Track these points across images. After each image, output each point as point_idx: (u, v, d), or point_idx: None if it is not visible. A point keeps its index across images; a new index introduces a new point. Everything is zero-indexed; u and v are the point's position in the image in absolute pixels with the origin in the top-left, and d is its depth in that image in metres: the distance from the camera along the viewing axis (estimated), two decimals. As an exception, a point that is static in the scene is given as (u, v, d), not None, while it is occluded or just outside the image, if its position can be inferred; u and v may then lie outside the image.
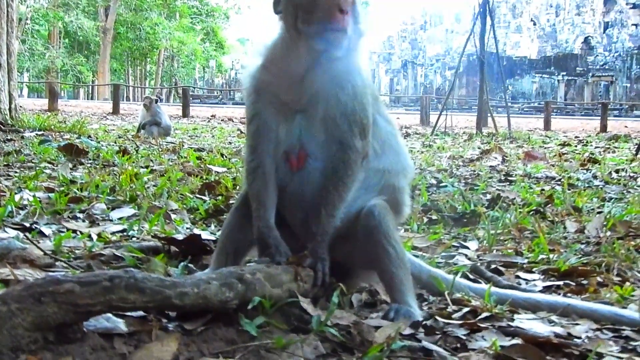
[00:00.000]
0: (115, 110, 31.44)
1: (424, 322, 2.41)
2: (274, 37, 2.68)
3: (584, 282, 3.17)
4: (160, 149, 9.86)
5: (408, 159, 2.85)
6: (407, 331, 2.30)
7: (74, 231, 3.74)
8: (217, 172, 6.88)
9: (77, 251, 3.29)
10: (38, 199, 4.38)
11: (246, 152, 2.76)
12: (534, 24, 73.58)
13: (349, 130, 2.57)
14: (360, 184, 2.65)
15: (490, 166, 9.01)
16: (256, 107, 2.68)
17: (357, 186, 2.63)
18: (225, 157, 8.77)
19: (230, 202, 4.69)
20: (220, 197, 5.06)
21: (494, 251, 3.80)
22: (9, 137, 9.97)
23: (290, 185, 2.64)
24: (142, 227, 3.97)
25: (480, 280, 3.11)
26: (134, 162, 7.53)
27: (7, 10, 11.54)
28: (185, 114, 32.21)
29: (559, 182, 7.04)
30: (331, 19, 2.49)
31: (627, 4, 66.60)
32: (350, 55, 2.63)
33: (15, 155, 7.51)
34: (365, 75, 2.67)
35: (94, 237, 3.63)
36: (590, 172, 8.31)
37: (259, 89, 2.68)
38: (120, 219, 4.25)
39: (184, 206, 4.75)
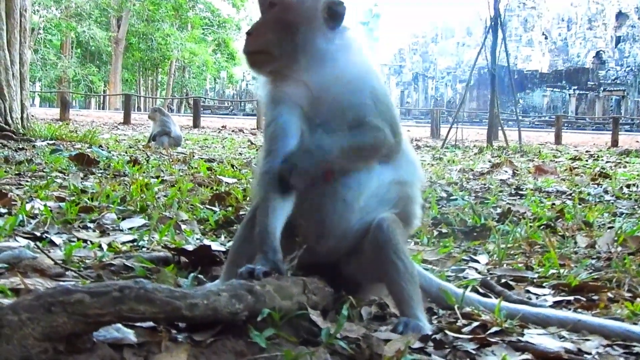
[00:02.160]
0: (127, 120, 31.55)
1: (434, 336, 2.40)
2: None
3: (595, 297, 3.16)
4: (170, 160, 9.88)
5: (420, 168, 2.86)
6: (417, 345, 2.30)
7: (85, 241, 3.75)
8: (228, 183, 6.89)
9: (87, 261, 3.29)
10: (49, 208, 4.39)
11: (261, 155, 2.76)
12: (546, 38, 73.58)
13: (380, 125, 2.58)
14: (375, 197, 2.64)
15: (501, 180, 8.98)
16: (273, 113, 2.68)
17: (360, 199, 2.62)
18: (236, 168, 8.78)
19: (241, 213, 4.70)
20: (230, 208, 5.07)
21: (504, 265, 3.79)
22: (20, 146, 10.01)
23: (310, 199, 2.63)
24: (153, 237, 3.97)
25: (490, 295, 3.10)
26: (144, 172, 7.55)
27: (20, 20, 11.60)
28: (196, 124, 32.29)
29: (570, 197, 7.01)
30: (245, 43, 2.66)
31: (639, 18, 66.48)
32: (353, 59, 2.65)
33: (26, 164, 7.54)
34: (379, 75, 2.71)
35: (105, 247, 3.63)
36: (601, 187, 8.28)
37: (277, 99, 2.69)
38: (130, 229, 4.25)
39: (194, 217, 4.75)
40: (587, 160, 14.94)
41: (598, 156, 17.00)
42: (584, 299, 3.13)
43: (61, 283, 2.55)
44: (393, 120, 2.64)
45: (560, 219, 5.25)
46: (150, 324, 2.12)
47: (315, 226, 2.64)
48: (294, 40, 2.60)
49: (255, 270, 2.33)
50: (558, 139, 29.26)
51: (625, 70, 65.41)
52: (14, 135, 10.87)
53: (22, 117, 11.58)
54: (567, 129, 38.97)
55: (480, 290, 3.17)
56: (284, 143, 2.60)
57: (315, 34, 2.62)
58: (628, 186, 8.50)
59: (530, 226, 4.71)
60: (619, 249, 4.10)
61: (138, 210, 4.87)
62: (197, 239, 4.07)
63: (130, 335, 2.06)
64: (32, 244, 3.43)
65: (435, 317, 2.80)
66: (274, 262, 2.42)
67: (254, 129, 29.55)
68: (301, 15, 2.62)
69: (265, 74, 2.73)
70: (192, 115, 35.22)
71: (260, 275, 2.31)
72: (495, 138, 21.83)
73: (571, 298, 3.14)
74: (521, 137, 20.03)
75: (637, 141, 29.67)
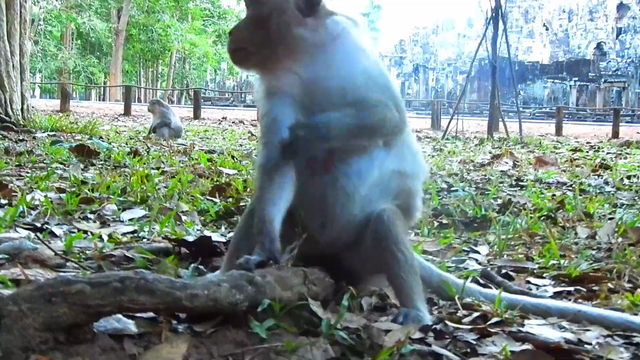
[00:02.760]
0: (127, 112, 31.54)
1: (434, 327, 2.40)
2: None
3: (595, 288, 3.16)
4: (171, 151, 9.88)
5: (423, 160, 2.85)
6: (417, 335, 2.30)
7: (85, 232, 3.75)
8: (228, 174, 6.89)
9: (87, 252, 3.29)
10: (49, 200, 4.39)
11: (258, 148, 2.77)
12: (547, 29, 73.44)
13: (382, 102, 2.57)
14: (376, 188, 2.64)
15: (501, 171, 8.98)
16: (267, 106, 2.68)
17: (361, 190, 2.62)
18: (236, 159, 8.78)
19: (241, 204, 4.70)
20: (230, 200, 5.07)
21: (505, 256, 3.79)
22: (21, 138, 10.01)
23: (311, 189, 2.63)
24: (153, 228, 3.97)
25: (490, 285, 3.10)
26: (145, 164, 7.55)
27: (20, 12, 11.58)
28: (197, 115, 32.28)
29: (571, 188, 7.01)
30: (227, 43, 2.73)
31: (640, 9, 66.37)
32: (344, 44, 2.64)
33: (27, 155, 7.54)
34: (374, 57, 2.69)
35: (105, 238, 3.64)
36: (601, 178, 8.28)
37: (270, 93, 2.68)
38: (131, 220, 4.26)
39: (195, 208, 4.75)
40: (587, 152, 14.93)
41: (599, 147, 16.99)
42: (585, 290, 3.13)
43: (61, 274, 2.56)
44: (394, 96, 2.63)
45: (560, 210, 5.25)
46: (151, 314, 2.13)
47: (317, 217, 2.64)
48: (267, 33, 2.61)
49: (249, 260, 2.34)
50: (559, 131, 29.25)
51: (626, 62, 65.32)
52: (14, 127, 10.87)
53: (22, 109, 11.57)
54: (567, 120, 38.93)
55: (481, 281, 3.17)
56: (279, 135, 2.58)
57: (289, 24, 2.61)
58: (629, 177, 8.50)
59: (531, 217, 4.71)
60: (620, 239, 4.10)
61: (138, 201, 4.87)
62: (197, 230, 4.07)
63: (130, 325, 2.06)
64: (32, 235, 3.44)
65: (436, 307, 2.80)
66: (270, 251, 2.40)
67: (255, 120, 29.48)
68: (271, 8, 2.62)
69: (251, 68, 2.77)
70: (192, 106, 35.23)
71: (253, 265, 2.31)
72: (496, 129, 21.81)
73: (571, 289, 3.14)
74: (522, 128, 20.01)
75: (638, 132, 29.63)
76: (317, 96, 2.60)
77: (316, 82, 2.60)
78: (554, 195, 6.31)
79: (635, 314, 2.71)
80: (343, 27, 2.69)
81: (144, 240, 3.73)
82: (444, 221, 4.70)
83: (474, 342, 2.29)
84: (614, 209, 5.51)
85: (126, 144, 10.89)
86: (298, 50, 2.62)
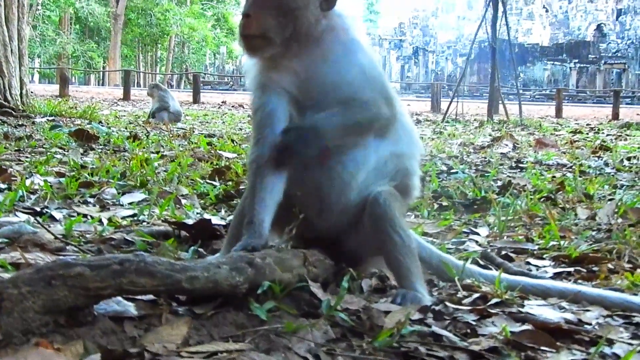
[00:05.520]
0: (126, 97, 31.42)
1: (434, 308, 2.41)
2: None
3: (595, 269, 3.16)
4: (170, 135, 9.87)
5: (419, 139, 2.85)
6: (417, 316, 2.30)
7: (85, 215, 3.76)
8: (228, 157, 6.88)
9: (87, 235, 3.30)
10: (49, 184, 4.39)
11: (250, 143, 2.75)
12: (546, 11, 73.22)
13: (372, 99, 2.56)
14: (373, 171, 2.64)
15: (501, 153, 8.97)
16: (261, 100, 2.66)
17: (359, 174, 2.61)
18: (236, 143, 8.77)
19: (241, 187, 4.70)
20: (230, 183, 5.07)
21: (505, 237, 3.79)
22: (20, 123, 10.00)
23: (307, 178, 2.62)
24: (153, 212, 3.97)
25: (490, 267, 3.10)
26: (144, 148, 7.54)
27: (18, -4, 11.54)
28: (196, 100, 32.18)
29: (571, 169, 7.01)
30: (240, 25, 2.57)
31: (640, -10, 66.16)
32: (339, 38, 2.63)
33: (26, 140, 7.54)
34: (368, 51, 2.67)
35: (105, 221, 3.64)
36: (601, 160, 8.28)
37: (264, 85, 2.66)
38: (130, 203, 4.26)
39: (195, 191, 4.75)
40: (587, 133, 14.91)
41: (599, 129, 16.98)
42: (584, 271, 3.13)
43: (61, 257, 2.55)
44: (386, 92, 2.62)
45: (560, 192, 5.25)
46: (151, 297, 2.13)
47: (314, 204, 2.64)
48: (294, 26, 2.56)
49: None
50: (559, 113, 29.18)
51: (626, 43, 65.13)
52: (13, 112, 10.85)
53: (21, 94, 11.55)
54: (567, 102, 38.80)
55: (481, 262, 3.18)
56: (272, 130, 2.59)
57: (310, 18, 2.59)
58: (628, 159, 8.49)
59: (531, 199, 4.70)
60: (619, 220, 4.10)
61: (138, 185, 4.87)
62: (197, 213, 4.07)
63: (130, 308, 2.07)
64: (32, 219, 3.44)
65: (436, 289, 2.81)
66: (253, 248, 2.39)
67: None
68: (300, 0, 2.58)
69: (263, 57, 2.65)
70: (191, 91, 35.12)
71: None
72: (496, 112, 21.77)
73: (571, 269, 3.15)
74: (522, 110, 19.96)
75: (638, 114, 29.54)
76: (311, 92, 2.60)
77: (311, 78, 2.59)
78: (554, 176, 6.31)
79: (635, 294, 2.71)
80: (344, 22, 2.68)
81: (144, 223, 3.73)
82: (444, 203, 4.70)
83: (474, 323, 2.30)
84: (613, 190, 5.51)
85: (125, 128, 10.87)
86: (305, 45, 2.60)
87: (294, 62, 2.60)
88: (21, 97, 11.54)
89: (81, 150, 6.94)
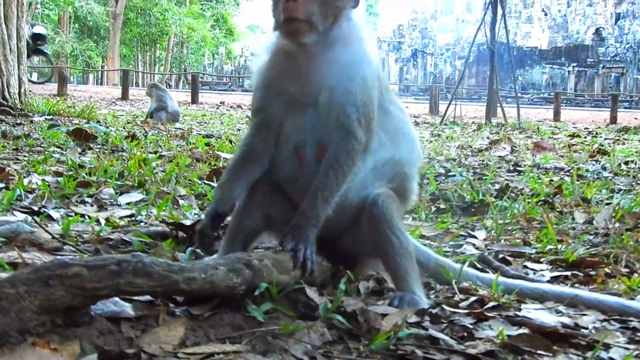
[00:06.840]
0: (125, 96, 31.32)
1: (431, 311, 2.41)
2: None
3: (592, 273, 3.17)
4: (168, 135, 9.86)
5: (419, 146, 2.85)
6: (414, 319, 2.30)
7: (82, 215, 3.75)
8: (226, 158, 6.87)
9: (85, 235, 3.30)
10: (47, 183, 4.39)
11: (244, 135, 2.78)
12: (545, 15, 73.24)
13: (357, 120, 2.54)
14: (371, 172, 2.64)
15: (499, 156, 8.97)
16: (263, 102, 2.68)
17: (356, 177, 2.60)
18: (234, 143, 8.76)
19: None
20: (228, 184, 5.06)
21: (502, 241, 3.80)
22: (18, 122, 9.97)
23: (301, 179, 2.63)
24: (150, 212, 3.97)
25: (487, 270, 3.11)
26: (142, 148, 7.53)
27: (17, -5, 11.52)
28: (194, 100, 32.10)
29: (568, 173, 7.02)
30: (283, 8, 2.47)
31: (639, -5, 66.22)
32: (355, 44, 2.62)
33: (24, 139, 7.52)
34: (374, 66, 2.65)
35: (102, 221, 3.64)
36: (599, 164, 8.27)
37: (267, 85, 2.67)
38: (128, 204, 4.26)
39: (192, 192, 4.75)
40: (585, 137, 14.90)
41: (597, 133, 16.96)
42: (581, 275, 3.14)
43: (59, 257, 2.56)
44: (371, 115, 2.60)
45: (558, 195, 5.25)
46: (148, 297, 2.13)
47: None
48: (334, 16, 2.56)
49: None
50: (557, 116, 29.14)
51: (624, 47, 65.09)
52: (11, 111, 10.82)
53: (19, 92, 11.52)
54: (566, 105, 38.77)
55: (478, 265, 3.18)
56: (270, 130, 2.67)
57: (342, 13, 2.60)
58: (626, 163, 8.50)
59: (528, 202, 4.71)
60: (617, 225, 4.10)
61: (136, 185, 4.87)
62: (195, 214, 4.07)
63: (127, 308, 2.07)
64: (29, 218, 3.43)
65: (433, 292, 2.81)
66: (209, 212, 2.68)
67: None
68: None
69: (297, 45, 2.58)
70: (190, 91, 35.02)
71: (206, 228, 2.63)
72: (494, 115, 21.75)
73: (568, 273, 3.16)
74: (520, 113, 19.93)
75: (636, 118, 29.55)
76: (311, 92, 2.59)
77: (315, 79, 2.59)
78: (551, 180, 6.32)
79: (632, 299, 2.72)
80: (359, 27, 2.68)
81: (142, 224, 3.73)
82: (442, 206, 4.70)
83: (471, 326, 2.30)
84: (611, 194, 5.52)
85: (124, 128, 10.86)
86: (328, 40, 2.58)
87: (305, 58, 2.59)
88: (19, 96, 11.51)
89: (79, 150, 6.93)
